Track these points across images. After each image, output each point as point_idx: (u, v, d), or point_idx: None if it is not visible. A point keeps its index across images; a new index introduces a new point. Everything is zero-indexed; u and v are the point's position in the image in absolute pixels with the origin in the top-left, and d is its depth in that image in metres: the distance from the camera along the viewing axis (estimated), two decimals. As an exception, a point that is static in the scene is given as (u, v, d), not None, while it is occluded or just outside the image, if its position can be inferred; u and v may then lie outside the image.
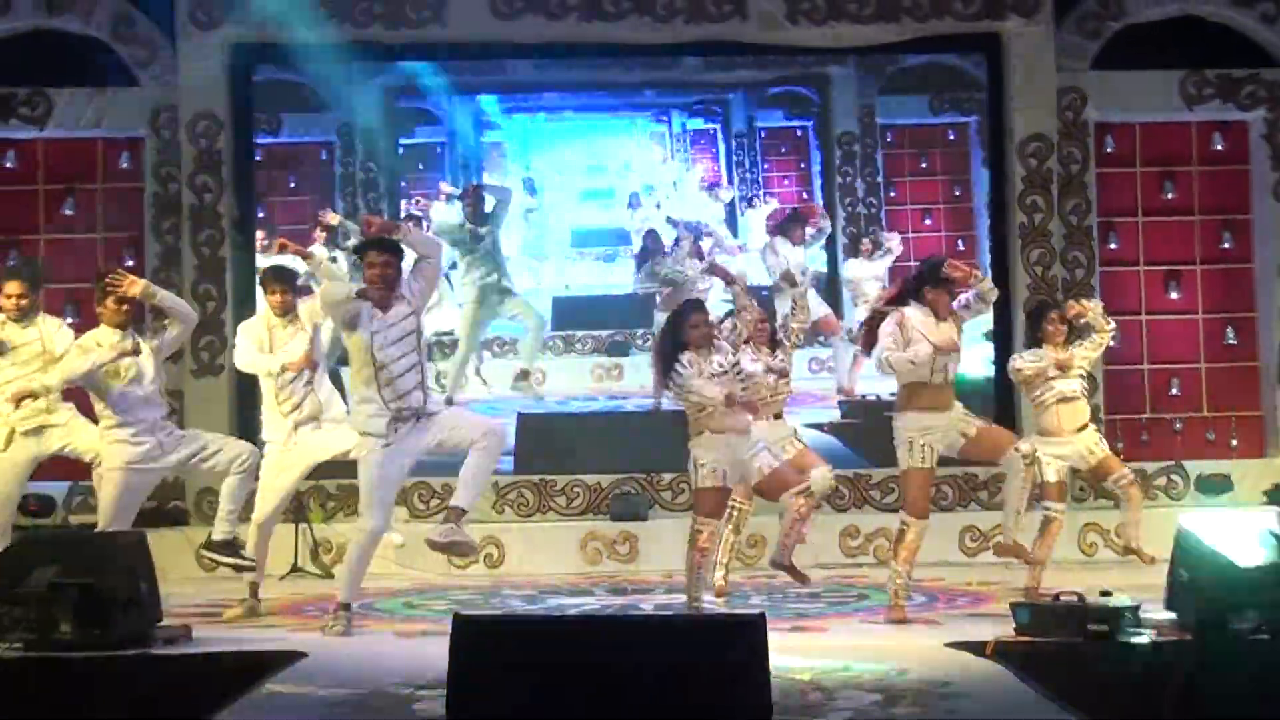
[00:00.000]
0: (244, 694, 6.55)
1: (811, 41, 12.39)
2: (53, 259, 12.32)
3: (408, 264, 8.42)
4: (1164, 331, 12.43)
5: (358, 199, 14.16)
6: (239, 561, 8.89)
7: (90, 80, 12.27)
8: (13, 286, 9.33)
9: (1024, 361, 9.47)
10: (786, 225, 13.65)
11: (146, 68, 12.17)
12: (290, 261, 10.13)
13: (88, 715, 6.22)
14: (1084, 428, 9.42)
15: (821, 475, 9.21)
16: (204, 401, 11.71)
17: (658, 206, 15.84)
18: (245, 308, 12.14)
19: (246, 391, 11.93)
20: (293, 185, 14.20)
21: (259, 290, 9.79)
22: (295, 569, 10.82)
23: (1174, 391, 12.35)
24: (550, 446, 12.20)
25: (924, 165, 13.73)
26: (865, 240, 13.78)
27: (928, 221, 13.63)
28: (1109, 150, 12.49)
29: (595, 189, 16.15)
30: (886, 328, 8.77)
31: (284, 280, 9.40)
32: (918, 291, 8.81)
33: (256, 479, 9.09)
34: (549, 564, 11.11)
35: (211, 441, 9.09)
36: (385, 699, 6.50)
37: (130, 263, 12.19)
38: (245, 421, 11.96)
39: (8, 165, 12.40)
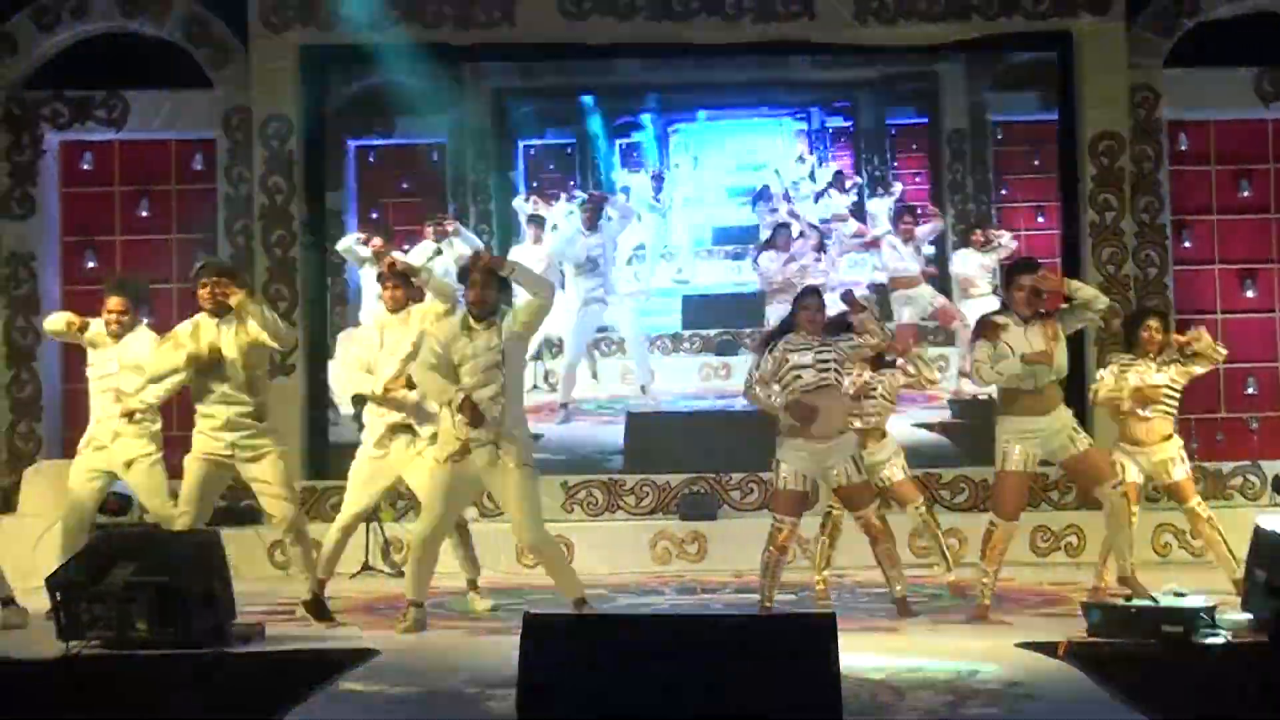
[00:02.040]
0: (316, 691, 6.59)
1: (879, 40, 12.36)
2: (128, 259, 12.49)
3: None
4: (1239, 330, 12.31)
5: (468, 201, 14.22)
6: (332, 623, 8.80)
7: (164, 83, 12.41)
8: (115, 302, 9.31)
9: (1101, 386, 9.32)
10: (894, 220, 13.71)
11: (219, 70, 12.30)
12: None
13: (163, 712, 6.28)
14: (1168, 438, 9.29)
15: (912, 514, 9.65)
16: (276, 403, 11.78)
17: (787, 200, 15.72)
18: (316, 307, 12.28)
19: (318, 394, 12.05)
20: (404, 187, 14.30)
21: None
22: (366, 567, 10.90)
23: (1250, 391, 12.24)
24: (658, 445, 12.29)
25: (1036, 162, 13.56)
26: (977, 232, 13.63)
27: (1040, 219, 13.41)
28: (1182, 148, 12.40)
29: (741, 186, 16.11)
30: (982, 346, 8.68)
31: (400, 276, 9.32)
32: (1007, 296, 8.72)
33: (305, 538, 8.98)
34: (618, 563, 11.12)
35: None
36: (456, 698, 6.53)
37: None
38: (315, 423, 12.08)
39: (85, 167, 12.59)
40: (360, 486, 9.22)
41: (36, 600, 8.37)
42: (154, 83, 12.43)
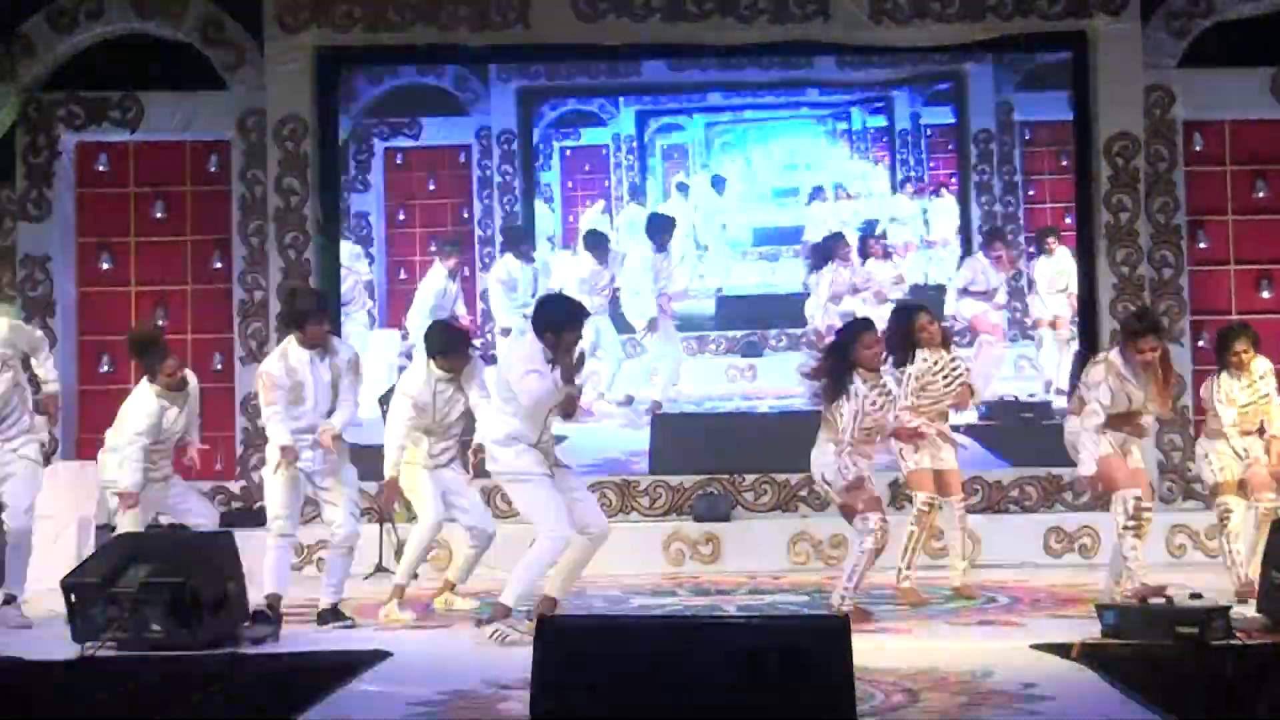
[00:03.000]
0: (330, 693, 6.59)
1: (895, 41, 12.37)
2: (143, 261, 12.52)
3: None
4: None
5: (494, 202, 14.25)
6: (348, 624, 8.84)
7: (179, 84, 12.43)
8: (170, 365, 9.61)
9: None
10: (989, 241, 13.67)
11: (234, 71, 12.32)
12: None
13: (177, 714, 6.29)
14: (1251, 433, 9.38)
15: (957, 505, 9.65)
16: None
17: (836, 198, 15.69)
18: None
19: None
20: (432, 188, 14.35)
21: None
22: (380, 569, 10.89)
23: (1265, 392, 12.18)
24: (683, 446, 12.30)
25: (1063, 163, 13.56)
26: (1050, 239, 13.57)
27: (1068, 220, 13.40)
28: (1198, 148, 12.37)
29: (786, 187, 16.10)
30: (1095, 377, 8.67)
31: (456, 349, 9.39)
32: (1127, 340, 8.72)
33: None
34: (632, 565, 11.11)
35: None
36: (469, 699, 6.53)
37: (218, 265, 12.37)
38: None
39: (100, 168, 12.59)
40: (431, 499, 9.37)
41: (52, 601, 8.40)
42: (169, 84, 12.44)
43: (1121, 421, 8.65)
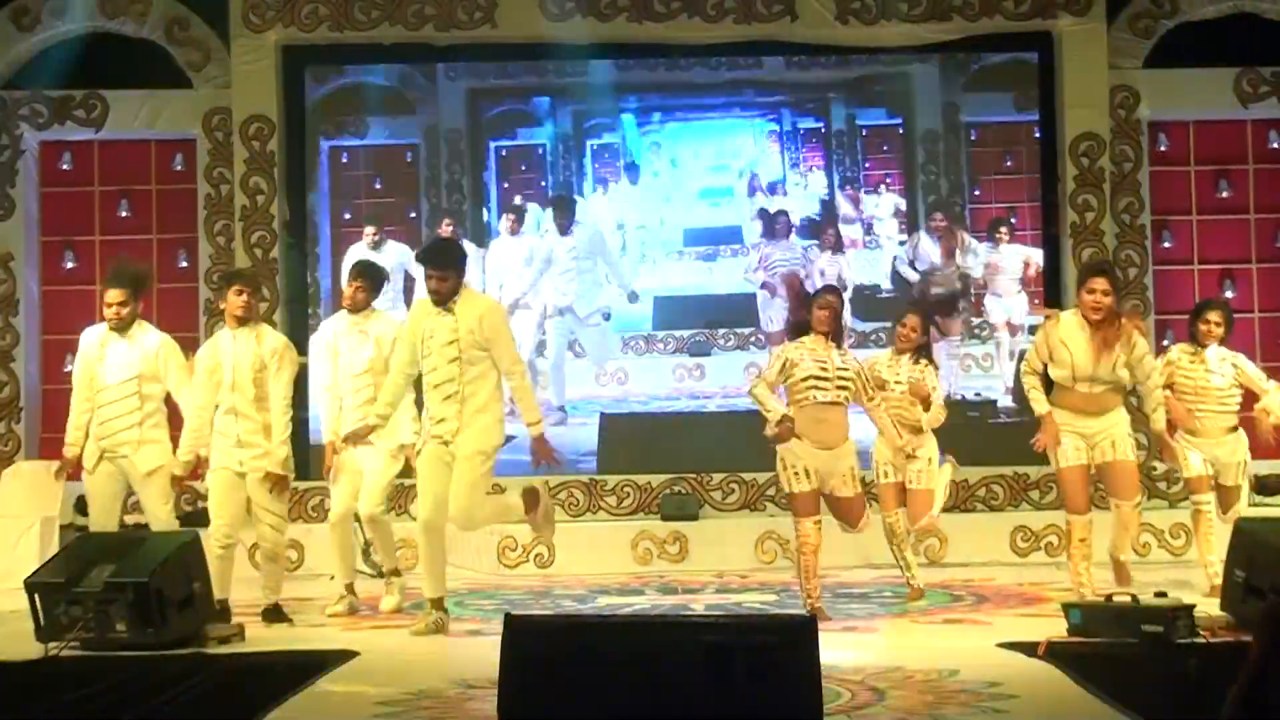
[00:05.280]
0: (296, 693, 6.58)
1: (861, 41, 12.40)
2: (108, 260, 12.45)
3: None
4: (1219, 331, 12.31)
5: (441, 200, 14.21)
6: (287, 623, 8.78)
7: (144, 83, 12.38)
8: (113, 294, 8.84)
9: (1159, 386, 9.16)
10: (930, 213, 13.51)
11: (200, 70, 12.28)
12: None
13: (141, 714, 6.26)
14: (1234, 429, 9.37)
15: (921, 525, 9.39)
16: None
17: (774, 193, 15.69)
18: (296, 307, 12.25)
19: (296, 394, 11.99)
20: (378, 187, 14.28)
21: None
22: (345, 569, 10.86)
23: (1229, 390, 12.24)
24: (632, 446, 12.28)
25: (1009, 163, 13.58)
26: (1002, 229, 13.54)
27: (1013, 220, 13.47)
28: (1162, 149, 12.44)
29: (714, 187, 16.08)
30: (1038, 334, 8.66)
31: (369, 276, 9.33)
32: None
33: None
34: (599, 564, 11.12)
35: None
36: (436, 699, 6.51)
37: (184, 264, 12.32)
38: (294, 423, 12.02)
39: (64, 167, 12.54)
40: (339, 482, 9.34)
41: (15, 601, 8.35)
42: (134, 83, 12.40)
43: (1082, 404, 8.54)
